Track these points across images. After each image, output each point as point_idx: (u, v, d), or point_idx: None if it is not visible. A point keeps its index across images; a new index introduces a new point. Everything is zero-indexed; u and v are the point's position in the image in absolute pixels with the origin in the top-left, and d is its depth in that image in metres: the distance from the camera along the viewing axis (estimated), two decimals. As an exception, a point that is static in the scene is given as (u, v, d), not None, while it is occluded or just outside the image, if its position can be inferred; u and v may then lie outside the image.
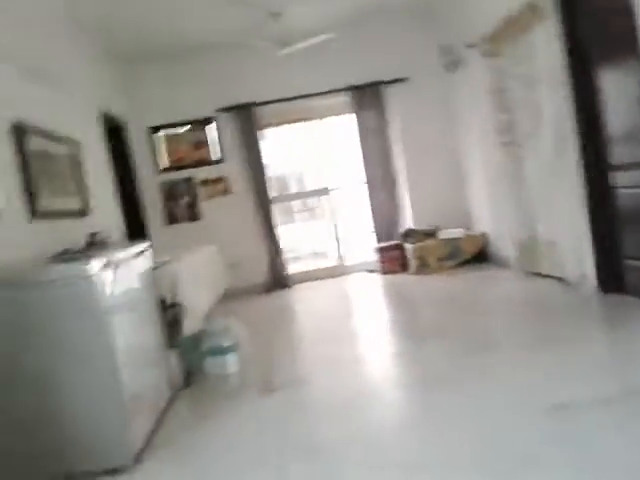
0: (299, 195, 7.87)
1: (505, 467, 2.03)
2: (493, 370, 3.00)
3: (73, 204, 4.13)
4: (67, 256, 3.02)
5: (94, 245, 3.98)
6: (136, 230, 5.79)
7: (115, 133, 5.75)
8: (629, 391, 2.46)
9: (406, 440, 2.41)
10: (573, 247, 4.35)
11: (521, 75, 4.68)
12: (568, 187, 4.30)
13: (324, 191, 7.09)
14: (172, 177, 6.71)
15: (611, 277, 4.07)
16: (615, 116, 3.84)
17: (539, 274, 4.96)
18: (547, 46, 4.23)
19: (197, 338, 3.65)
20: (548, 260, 4.75)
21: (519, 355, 3.17)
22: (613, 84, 3.79)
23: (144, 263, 3.23)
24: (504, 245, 5.75)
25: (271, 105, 6.64)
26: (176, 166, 6.72)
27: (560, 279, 4.57)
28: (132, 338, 2.80)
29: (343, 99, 6.74)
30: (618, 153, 3.89)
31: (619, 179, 3.91)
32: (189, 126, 6.69)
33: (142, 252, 3.23)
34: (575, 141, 4.14)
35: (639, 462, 1.91)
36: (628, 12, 3.30)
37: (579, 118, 4.09)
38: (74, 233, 3.95)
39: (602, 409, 2.34)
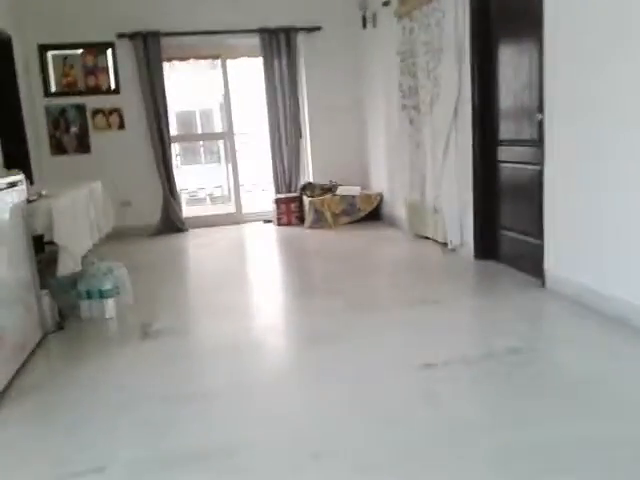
0: (200, 136, 7.60)
1: (373, 419, 2.15)
2: (372, 327, 3.14)
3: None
4: None
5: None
6: (17, 158, 5.33)
7: (-3, 48, 5.20)
8: (487, 353, 2.68)
9: (279, 392, 2.48)
10: (456, 215, 4.59)
11: (428, 41, 4.74)
12: (459, 158, 4.49)
13: (227, 134, 6.90)
14: (61, 102, 6.20)
15: (487, 245, 4.36)
16: (508, 93, 4.02)
17: (426, 237, 5.19)
18: (455, 14, 4.30)
19: (74, 279, 3.48)
20: (434, 225, 4.99)
21: (395, 314, 3.34)
22: (511, 61, 3.94)
23: (16, 196, 2.99)
24: (397, 206, 5.94)
25: (177, 37, 6.27)
26: (66, 91, 6.21)
27: (443, 244, 4.83)
28: (-3, 275, 2.62)
29: (253, 41, 6.50)
30: (505, 129, 4.10)
31: (503, 154, 4.14)
32: (82, 50, 6.18)
33: (15, 183, 2.99)
34: (470, 114, 4.30)
35: (488, 418, 2.11)
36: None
37: (476, 92, 4.25)
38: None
39: (463, 368, 2.54)
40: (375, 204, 6.41)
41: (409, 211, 5.46)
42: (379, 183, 6.52)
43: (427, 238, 5.17)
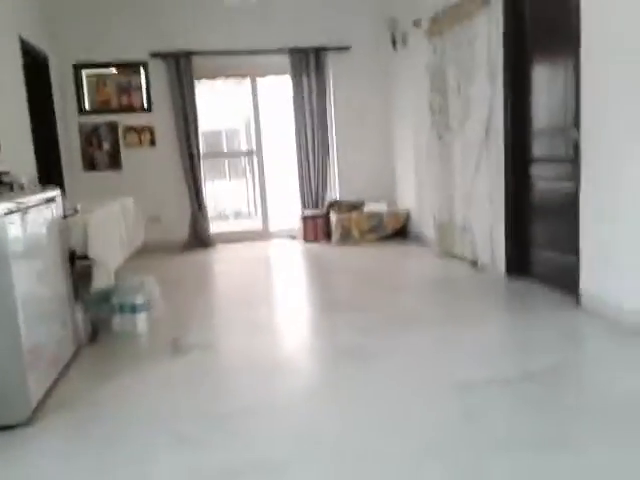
0: (228, 154, 7.68)
1: (409, 440, 2.11)
2: (402, 346, 3.10)
3: (-21, 140, 3.81)
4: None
5: (1, 187, 3.71)
6: (51, 174, 5.45)
7: (34, 67, 5.32)
8: (525, 373, 2.62)
9: (309, 411, 2.45)
10: (487, 233, 4.54)
11: (459, 59, 4.74)
12: (490, 175, 4.45)
13: (256, 152, 6.95)
14: (94, 120, 6.34)
15: (519, 263, 4.30)
16: (542, 110, 3.98)
17: (454, 255, 5.14)
18: (487, 33, 4.30)
19: (107, 293, 3.52)
20: (462, 243, 4.94)
21: (428, 332, 3.29)
22: (545, 78, 3.91)
23: (53, 211, 3.05)
24: (424, 224, 5.91)
25: (208, 56, 6.37)
26: (100, 109, 6.35)
27: (472, 262, 4.77)
28: (35, 288, 2.65)
29: (283, 60, 6.57)
30: (540, 146, 4.06)
31: (537, 171, 4.09)
32: (116, 69, 6.31)
33: (52, 199, 3.04)
34: (502, 131, 4.27)
35: (530, 440, 2.05)
36: (574, 8, 3.33)
37: (509, 109, 4.22)
38: (-22, 171, 3.66)
39: (501, 389, 2.48)
40: (402, 222, 6.38)
41: (437, 229, 5.42)
42: (406, 201, 6.49)
43: (455, 257, 5.12)
